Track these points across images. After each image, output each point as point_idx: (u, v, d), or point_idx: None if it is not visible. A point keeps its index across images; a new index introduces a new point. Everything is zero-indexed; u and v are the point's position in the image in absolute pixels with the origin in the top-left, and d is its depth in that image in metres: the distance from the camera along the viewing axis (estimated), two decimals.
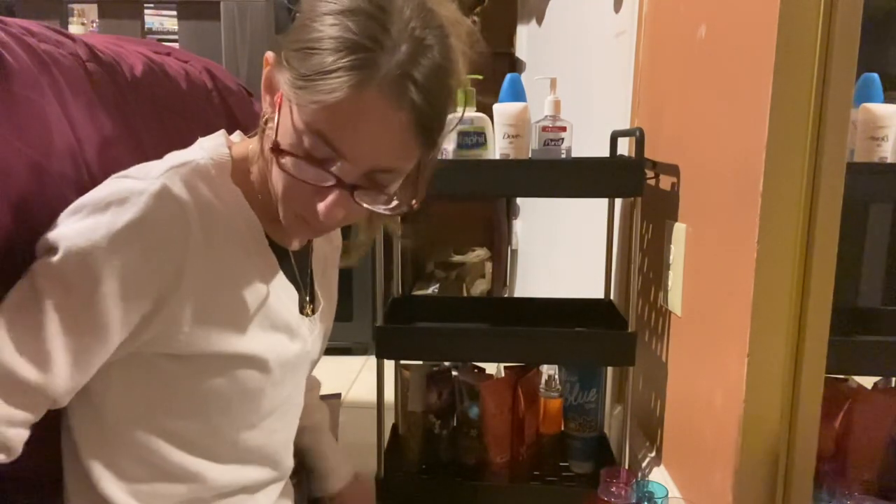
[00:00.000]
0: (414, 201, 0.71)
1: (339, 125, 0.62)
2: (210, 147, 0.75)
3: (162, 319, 0.68)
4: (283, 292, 0.79)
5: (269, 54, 0.69)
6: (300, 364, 0.83)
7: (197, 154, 0.73)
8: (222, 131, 0.78)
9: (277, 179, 0.68)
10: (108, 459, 0.74)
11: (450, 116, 0.69)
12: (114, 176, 0.68)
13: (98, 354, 0.66)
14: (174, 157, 0.72)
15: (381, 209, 0.69)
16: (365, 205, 0.66)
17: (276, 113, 0.66)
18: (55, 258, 0.63)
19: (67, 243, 0.63)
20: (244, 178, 0.75)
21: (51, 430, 0.73)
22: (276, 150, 0.65)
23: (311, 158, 0.64)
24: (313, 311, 0.85)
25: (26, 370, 0.63)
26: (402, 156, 0.66)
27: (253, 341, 0.74)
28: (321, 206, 0.66)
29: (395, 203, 0.69)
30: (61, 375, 0.64)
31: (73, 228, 0.64)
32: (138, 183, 0.66)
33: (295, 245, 0.83)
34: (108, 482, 0.73)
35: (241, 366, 0.74)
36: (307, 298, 0.85)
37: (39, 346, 0.63)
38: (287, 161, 0.65)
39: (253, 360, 0.74)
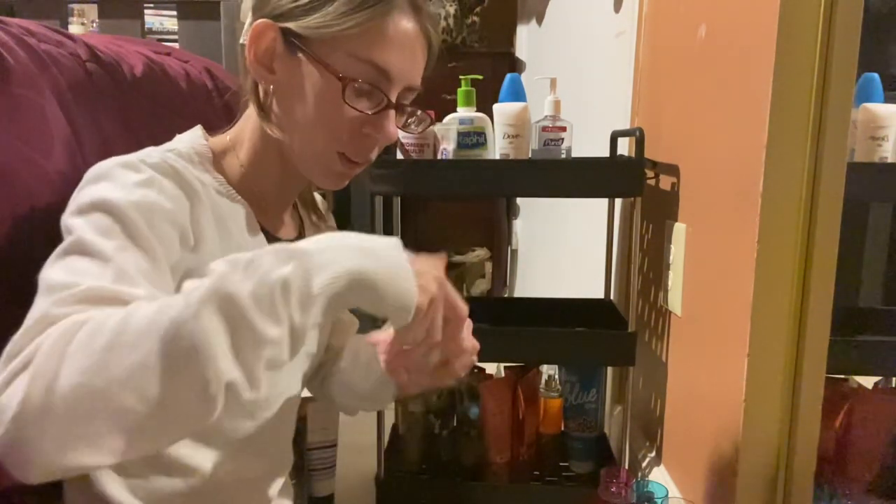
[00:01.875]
0: (430, 117, 0.83)
1: (385, 47, 0.71)
2: (188, 139, 0.77)
3: (179, 271, 0.67)
4: None
5: (262, 24, 0.71)
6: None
7: (179, 145, 0.75)
8: (199, 126, 0.80)
9: (317, 122, 0.72)
10: None
11: None
12: (106, 161, 0.68)
13: (160, 276, 0.64)
14: (158, 147, 0.74)
15: (413, 129, 0.81)
16: (401, 124, 0.78)
17: (290, 69, 0.72)
18: (82, 225, 0.61)
19: (87, 209, 0.62)
20: (226, 171, 0.77)
21: None
22: (333, 71, 0.70)
23: (361, 88, 0.71)
24: None
25: (116, 285, 0.58)
26: (421, 74, 0.77)
27: None
28: (383, 129, 0.73)
29: (420, 123, 0.81)
30: (144, 284, 0.61)
31: (87, 196, 0.64)
32: (136, 158, 0.68)
33: (284, 232, 0.83)
34: (105, 478, 0.73)
35: None
36: None
37: (120, 271, 0.59)
38: (347, 95, 0.70)
39: None
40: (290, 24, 0.70)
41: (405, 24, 0.72)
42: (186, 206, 0.68)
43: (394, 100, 0.73)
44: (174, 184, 0.68)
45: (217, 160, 0.77)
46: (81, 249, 0.59)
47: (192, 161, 0.74)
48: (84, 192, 0.65)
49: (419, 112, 0.80)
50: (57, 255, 0.60)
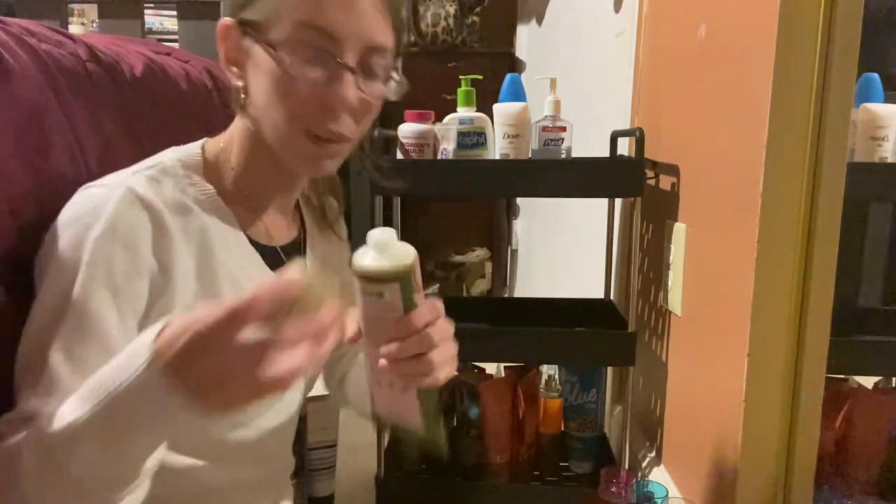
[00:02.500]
0: (401, 80, 0.75)
1: (329, 9, 0.66)
2: (181, 149, 0.76)
3: (158, 311, 0.68)
4: None
5: (224, 24, 0.72)
6: None
7: (166, 156, 0.74)
8: (204, 139, 0.79)
9: (278, 102, 0.70)
10: None
11: (405, 14, 0.75)
12: (82, 188, 0.69)
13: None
14: (142, 163, 0.73)
15: (379, 98, 0.73)
16: (367, 94, 0.70)
17: (234, 63, 0.71)
18: (44, 288, 0.65)
19: (50, 269, 0.65)
20: (219, 178, 0.76)
21: None
22: (274, 47, 0.67)
23: (308, 55, 0.67)
24: None
25: (33, 404, 0.62)
26: (384, 31, 0.70)
27: None
28: (335, 94, 0.68)
29: (386, 90, 0.73)
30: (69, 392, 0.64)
31: (53, 252, 0.66)
32: (102, 190, 0.68)
33: (281, 237, 0.82)
34: None
35: None
36: None
37: (46, 375, 0.63)
38: (290, 66, 0.68)
39: None
40: (245, 15, 0.70)
41: None
42: (149, 237, 0.67)
43: (351, 62, 0.68)
44: (140, 217, 0.67)
45: (210, 168, 0.76)
46: (40, 344, 0.63)
47: (176, 175, 0.72)
48: (56, 247, 0.66)
49: (396, 75, 0.74)
50: (27, 331, 0.65)
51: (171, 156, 0.74)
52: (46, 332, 0.64)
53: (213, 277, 0.72)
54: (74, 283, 0.64)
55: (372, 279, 0.60)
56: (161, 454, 0.71)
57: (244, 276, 0.75)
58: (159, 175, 0.71)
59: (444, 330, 0.65)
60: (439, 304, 0.65)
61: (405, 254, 0.60)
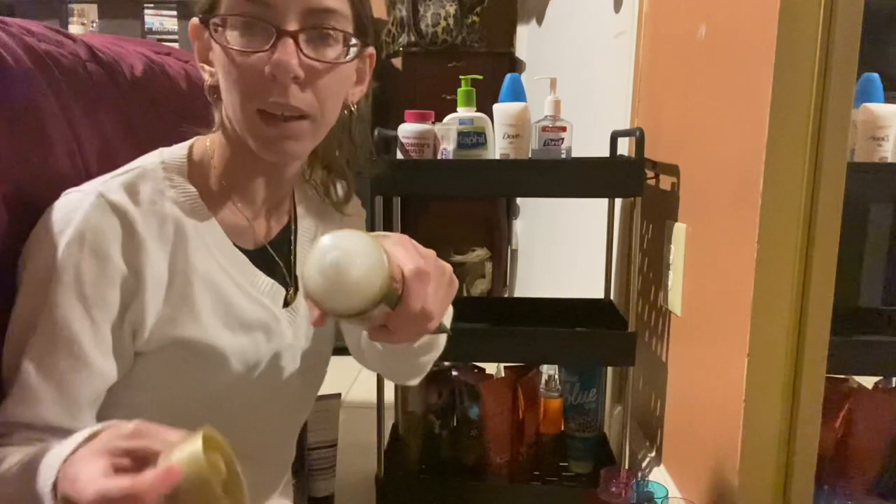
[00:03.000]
0: (368, 49, 0.72)
1: None
2: (167, 151, 0.75)
3: (129, 321, 0.68)
4: (253, 289, 0.76)
5: (191, 24, 0.72)
6: (279, 361, 0.80)
7: (148, 159, 0.74)
8: (195, 137, 0.78)
9: (229, 82, 0.69)
10: None
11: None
12: (64, 192, 0.70)
13: (78, 374, 0.66)
14: (124, 167, 0.73)
15: (332, 60, 0.68)
16: (315, 56, 0.67)
17: (205, 60, 0.71)
18: (20, 293, 0.66)
19: (25, 275, 0.67)
20: (204, 178, 0.75)
21: None
22: (209, 24, 0.67)
23: (245, 29, 0.66)
24: (295, 297, 0.81)
25: (17, 410, 0.64)
26: None
27: (213, 339, 0.73)
28: (271, 62, 0.65)
29: (346, 51, 0.69)
30: (46, 403, 0.65)
31: (28, 258, 0.67)
32: (77, 196, 0.68)
33: (268, 233, 0.80)
34: None
35: (200, 364, 0.73)
36: (290, 285, 0.81)
37: (19, 382, 0.64)
38: (227, 40, 0.67)
39: (213, 358, 0.73)
40: (201, 9, 0.69)
41: None
42: (118, 243, 0.67)
43: (291, 27, 0.65)
44: (110, 223, 0.67)
45: (194, 168, 0.75)
46: (15, 353, 0.65)
47: (155, 177, 0.72)
48: (31, 254, 0.67)
49: (350, 38, 0.69)
50: (6, 340, 0.66)
51: (154, 158, 0.74)
52: (21, 339, 0.65)
53: (187, 281, 0.71)
54: (46, 291, 0.65)
55: (346, 316, 0.54)
56: None
57: (225, 280, 0.74)
58: (137, 179, 0.70)
59: (428, 286, 0.57)
60: (416, 262, 0.56)
61: (370, 274, 0.51)
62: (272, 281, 0.78)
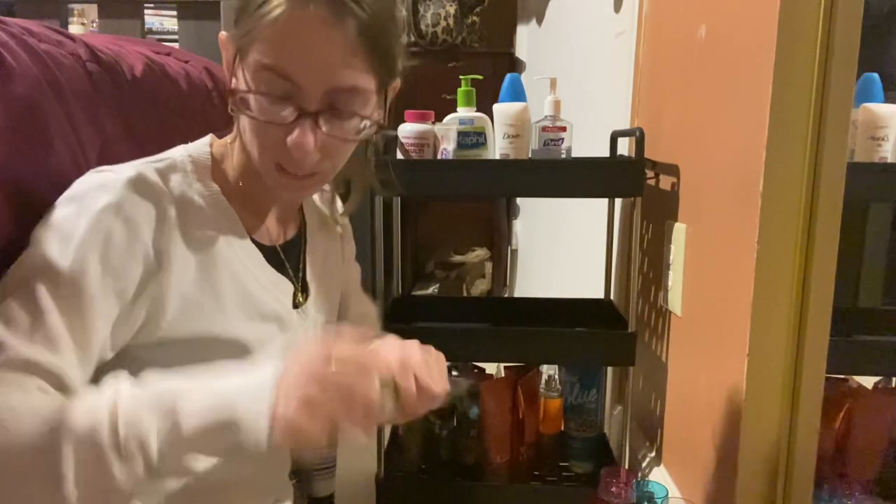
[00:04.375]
0: (382, 121, 0.73)
1: (284, 50, 0.64)
2: (192, 147, 0.77)
3: (146, 302, 0.68)
4: (270, 286, 0.79)
5: (223, 33, 0.71)
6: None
7: (176, 152, 0.75)
8: (210, 135, 0.80)
9: (249, 136, 0.70)
10: None
11: (400, 50, 0.72)
12: (91, 171, 0.70)
13: (97, 335, 0.66)
14: (152, 156, 0.74)
15: (350, 137, 0.70)
16: (333, 133, 0.68)
17: (234, 79, 0.69)
18: (42, 247, 0.64)
19: (50, 232, 0.65)
20: (223, 178, 0.77)
21: None
22: (235, 95, 0.67)
23: (270, 96, 0.66)
24: (305, 301, 0.85)
25: (41, 354, 0.61)
26: (355, 74, 0.66)
27: (237, 329, 0.74)
28: (290, 140, 0.66)
29: (365, 125, 0.71)
30: (70, 357, 0.64)
31: (54, 218, 0.66)
32: (113, 174, 0.68)
33: (280, 236, 0.83)
34: None
35: (223, 354, 0.73)
36: (300, 288, 0.84)
37: (46, 331, 0.62)
38: (251, 108, 0.67)
39: (236, 347, 0.74)
40: (232, 34, 0.69)
41: (315, 21, 0.63)
42: (151, 223, 0.68)
43: (312, 106, 0.66)
44: (146, 201, 0.68)
45: (217, 166, 0.77)
46: (27, 293, 0.62)
47: (185, 170, 0.73)
48: (57, 214, 0.66)
49: (364, 116, 0.70)
50: (10, 283, 0.64)
51: (181, 152, 0.75)
52: (40, 282, 0.63)
53: (215, 271, 0.73)
54: (70, 249, 0.64)
55: None
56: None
57: (245, 272, 0.76)
58: (168, 168, 0.72)
59: (425, 370, 0.67)
60: (398, 353, 0.66)
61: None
62: (284, 278, 0.81)
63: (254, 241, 0.78)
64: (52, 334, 0.62)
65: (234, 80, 0.69)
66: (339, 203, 0.95)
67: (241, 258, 0.76)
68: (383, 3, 0.67)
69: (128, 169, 0.69)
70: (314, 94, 0.66)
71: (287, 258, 0.83)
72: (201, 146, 0.77)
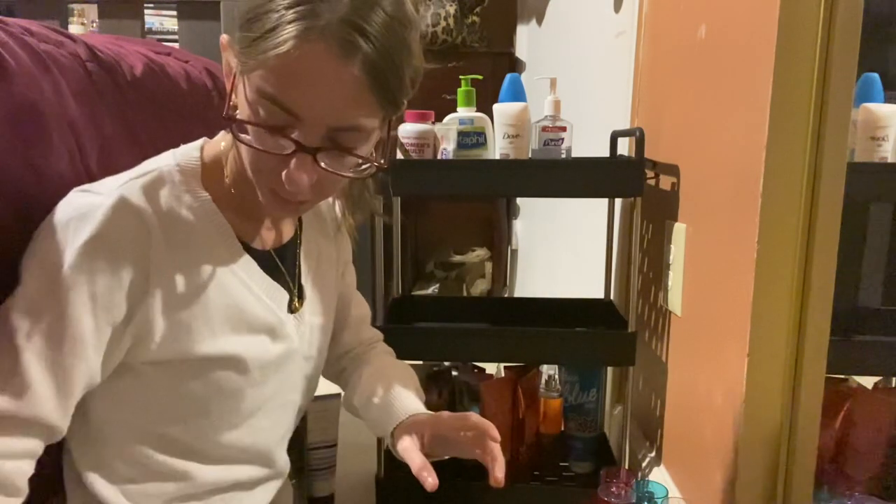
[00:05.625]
0: (382, 161, 0.70)
1: (289, 84, 0.61)
2: (180, 153, 0.75)
3: (134, 328, 0.68)
4: (262, 293, 0.78)
5: (224, 37, 0.68)
6: (285, 363, 0.81)
7: (163, 161, 0.73)
8: (203, 139, 0.78)
9: (244, 156, 0.69)
10: (96, 462, 0.75)
11: (412, 75, 0.67)
12: (75, 190, 0.69)
13: (79, 372, 0.66)
14: (139, 167, 0.72)
15: (350, 174, 0.69)
16: (332, 169, 0.65)
17: (232, 93, 0.67)
18: (23, 285, 0.65)
19: (35, 268, 0.65)
20: (216, 182, 0.75)
21: None
22: (233, 121, 0.65)
23: (269, 127, 0.64)
24: (301, 305, 0.84)
25: (16, 405, 0.63)
26: (359, 113, 0.64)
27: (227, 343, 0.73)
28: (284, 174, 0.64)
29: (363, 166, 0.69)
30: (44, 399, 0.64)
31: (39, 253, 0.66)
32: (96, 197, 0.67)
33: (276, 240, 0.82)
34: (98, 483, 0.74)
35: (215, 368, 0.73)
36: (295, 293, 0.83)
37: (17, 376, 0.63)
38: (247, 134, 0.66)
39: (228, 361, 0.74)
40: (235, 44, 0.64)
41: (322, 58, 0.60)
42: (136, 255, 0.67)
43: (312, 142, 0.63)
44: (129, 228, 0.67)
45: (207, 172, 0.75)
46: (9, 334, 0.63)
47: (172, 181, 0.72)
48: (41, 246, 0.66)
49: (363, 156, 0.67)
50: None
51: (168, 161, 0.74)
52: (19, 330, 0.63)
53: (202, 288, 0.72)
54: (55, 286, 0.64)
55: None
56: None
57: (236, 284, 0.75)
58: (155, 182, 0.71)
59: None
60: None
61: None
62: (277, 284, 0.80)
63: (247, 248, 0.77)
64: (24, 380, 0.63)
65: (232, 95, 0.67)
66: (338, 207, 0.94)
67: (231, 270, 0.75)
68: (394, 34, 0.62)
69: (111, 191, 0.67)
70: (316, 131, 0.63)
71: (282, 261, 0.81)
72: (191, 151, 0.75)
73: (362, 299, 1.03)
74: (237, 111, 0.67)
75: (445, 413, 0.81)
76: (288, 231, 0.84)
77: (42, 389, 0.64)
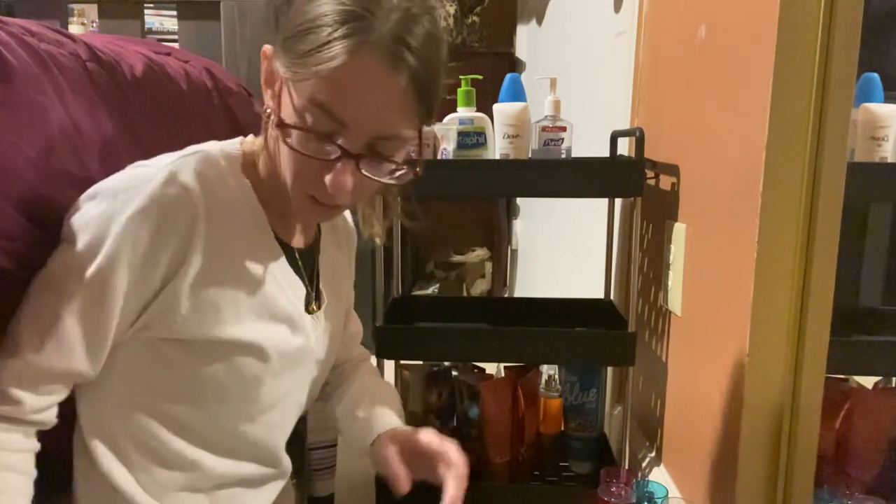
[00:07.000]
0: (418, 169, 0.73)
1: (340, 94, 0.64)
2: (224, 143, 0.78)
3: (163, 298, 0.70)
4: (286, 285, 0.80)
5: (267, 47, 0.71)
6: (302, 359, 0.83)
7: (210, 146, 0.76)
8: (240, 137, 0.81)
9: (285, 160, 0.71)
10: (108, 441, 0.75)
11: (443, 86, 0.72)
12: (132, 165, 0.72)
13: (111, 332, 0.70)
14: (189, 148, 0.75)
15: (386, 179, 0.71)
16: (371, 175, 0.69)
17: (278, 99, 0.69)
18: (71, 246, 0.68)
19: (81, 231, 0.68)
20: (254, 173, 0.78)
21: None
22: (281, 126, 0.68)
23: (316, 133, 0.66)
24: (318, 308, 0.86)
25: (52, 360, 0.68)
26: (402, 122, 0.68)
27: (251, 329, 0.75)
28: (328, 178, 0.68)
29: (400, 172, 0.72)
30: (81, 357, 0.69)
31: (86, 216, 0.68)
32: (148, 170, 0.70)
33: (298, 241, 0.84)
34: (108, 462, 0.75)
35: (238, 353, 0.75)
36: (313, 296, 0.85)
37: (60, 335, 0.68)
38: (293, 138, 0.68)
39: (250, 347, 0.75)
40: (280, 53, 0.68)
41: (373, 71, 0.63)
42: (179, 233, 0.69)
43: (355, 148, 0.67)
44: (176, 205, 0.69)
45: (247, 163, 0.78)
46: (54, 291, 0.68)
47: (217, 165, 0.74)
48: (91, 211, 0.69)
49: (399, 162, 0.71)
50: (40, 284, 0.69)
51: (214, 146, 0.76)
52: (61, 290, 0.68)
53: (234, 269, 0.74)
54: (99, 253, 0.67)
55: None
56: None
57: (264, 269, 0.77)
58: (204, 162, 0.73)
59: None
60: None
61: None
62: (299, 280, 0.82)
63: (278, 240, 0.79)
64: (67, 339, 0.68)
65: (277, 102, 0.70)
66: (349, 218, 0.97)
67: (261, 257, 0.77)
68: (433, 49, 0.67)
69: (163, 167, 0.70)
70: (360, 138, 0.67)
71: (304, 262, 0.84)
72: (233, 143, 0.79)
73: (356, 316, 1.05)
74: (282, 114, 0.69)
75: (429, 433, 0.84)
76: (308, 238, 0.86)
77: (79, 350, 0.69)
